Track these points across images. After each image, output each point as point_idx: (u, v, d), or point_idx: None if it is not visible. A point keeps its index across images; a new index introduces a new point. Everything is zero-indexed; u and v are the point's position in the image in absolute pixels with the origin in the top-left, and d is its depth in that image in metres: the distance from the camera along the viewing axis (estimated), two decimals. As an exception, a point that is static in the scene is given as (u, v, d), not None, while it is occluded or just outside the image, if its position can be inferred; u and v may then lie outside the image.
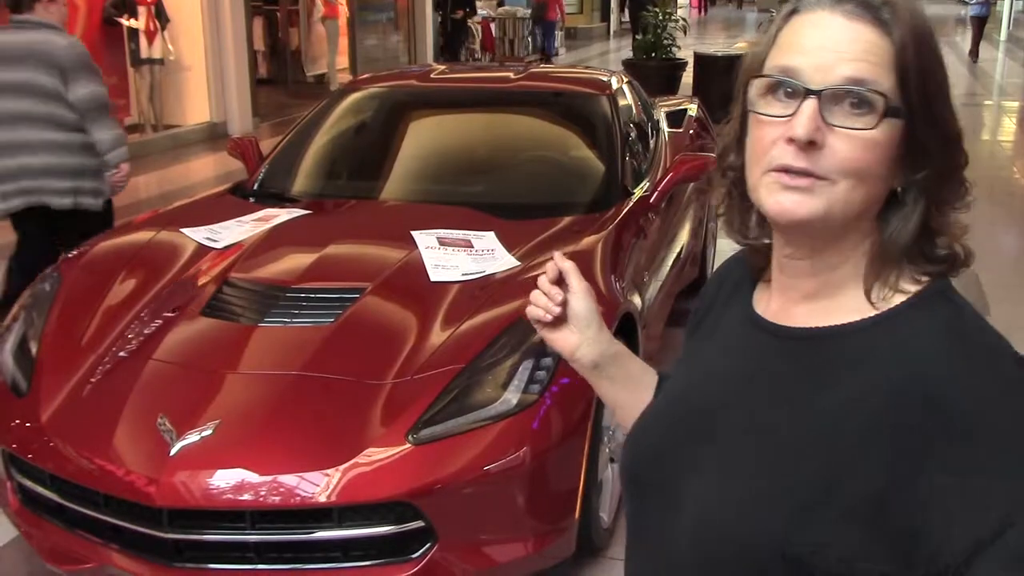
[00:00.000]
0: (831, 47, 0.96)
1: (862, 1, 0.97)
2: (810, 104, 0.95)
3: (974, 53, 19.68)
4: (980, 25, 19.64)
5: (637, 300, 3.46)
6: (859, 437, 0.92)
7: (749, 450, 1.00)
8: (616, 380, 1.30)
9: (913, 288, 1.00)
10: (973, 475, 0.87)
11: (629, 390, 1.30)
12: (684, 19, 13.21)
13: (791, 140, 0.96)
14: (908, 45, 0.96)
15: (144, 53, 9.97)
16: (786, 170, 0.96)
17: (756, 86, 1.01)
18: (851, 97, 0.95)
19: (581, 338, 1.27)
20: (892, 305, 0.99)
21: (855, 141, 0.95)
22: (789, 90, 0.97)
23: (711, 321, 1.20)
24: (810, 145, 0.95)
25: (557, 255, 1.29)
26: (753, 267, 1.15)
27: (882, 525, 0.89)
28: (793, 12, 1.01)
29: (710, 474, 1.02)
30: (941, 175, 0.99)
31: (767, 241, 1.09)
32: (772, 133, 0.98)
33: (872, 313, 0.99)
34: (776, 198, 0.98)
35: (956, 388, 0.90)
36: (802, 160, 0.95)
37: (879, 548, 0.89)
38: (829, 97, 0.95)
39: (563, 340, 1.28)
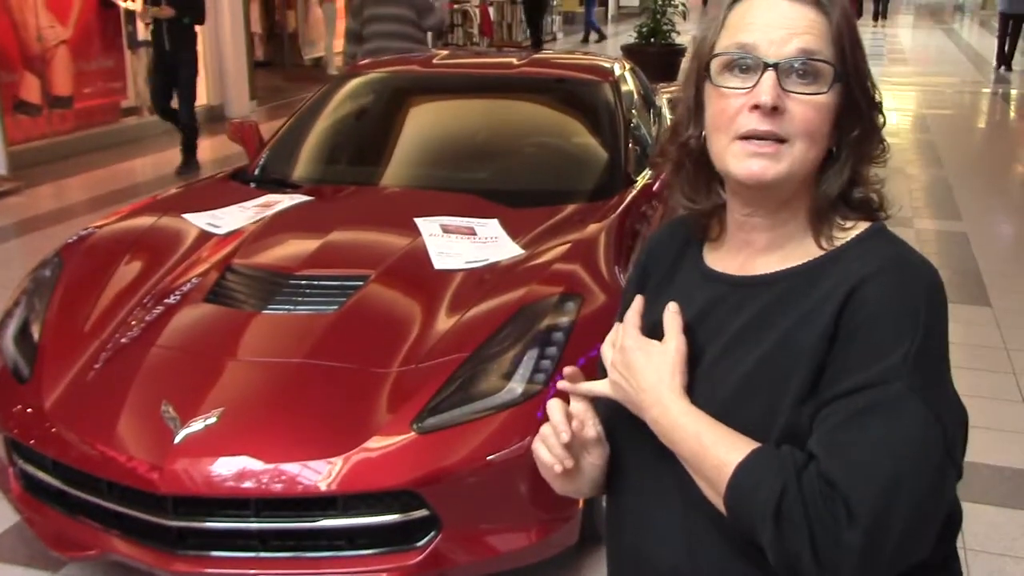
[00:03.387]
0: (781, 24, 1.13)
1: None
2: (770, 75, 1.11)
3: (1002, 59, 15.28)
4: (1015, 25, 14.86)
5: (640, 289, 3.45)
6: (814, 337, 1.10)
7: (731, 367, 1.16)
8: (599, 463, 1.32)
9: (851, 232, 1.17)
10: (858, 346, 1.07)
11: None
12: (684, 4, 13.13)
13: (756, 107, 1.12)
14: (842, 23, 1.14)
15: (141, 35, 9.89)
16: (753, 135, 1.12)
17: (716, 63, 1.16)
18: (802, 67, 1.12)
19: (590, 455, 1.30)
20: (837, 245, 1.17)
21: (810, 104, 1.12)
22: (745, 65, 1.14)
23: (655, 286, 1.32)
24: (774, 111, 1.11)
25: (567, 370, 1.27)
26: (697, 231, 1.30)
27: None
28: (736, 1, 1.18)
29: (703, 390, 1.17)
30: (867, 133, 1.17)
31: (719, 203, 1.25)
32: (735, 103, 1.14)
33: (820, 254, 1.17)
34: (745, 163, 1.14)
35: (870, 285, 1.09)
36: (767, 124, 1.12)
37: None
38: (785, 68, 1.12)
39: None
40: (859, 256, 1.13)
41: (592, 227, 3.42)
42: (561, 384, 1.26)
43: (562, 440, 1.21)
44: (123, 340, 2.92)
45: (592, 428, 1.26)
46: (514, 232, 3.36)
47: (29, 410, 2.81)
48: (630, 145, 4.13)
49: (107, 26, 9.70)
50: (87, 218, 5.76)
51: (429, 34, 8.29)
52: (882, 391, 1.04)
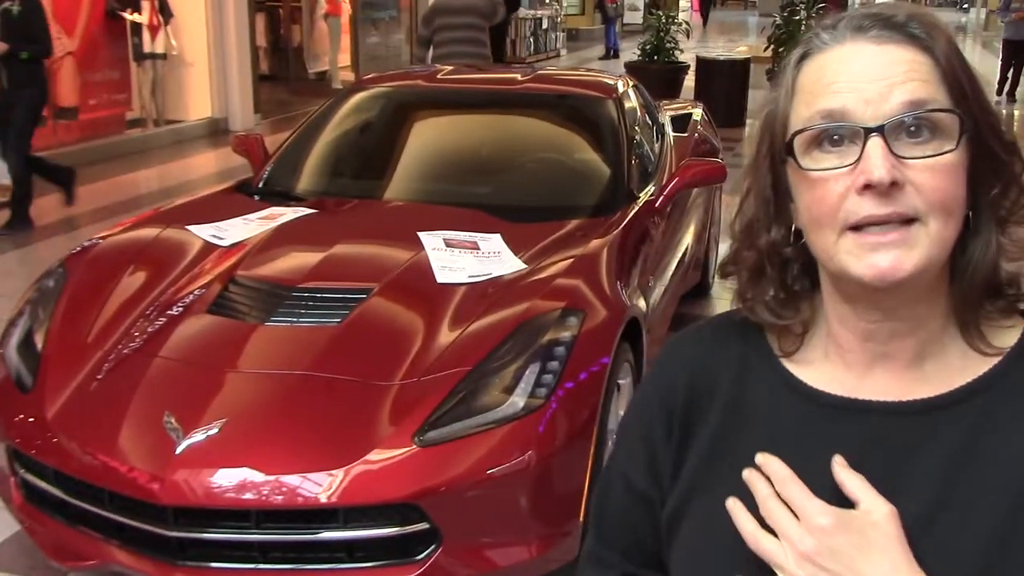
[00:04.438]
0: (873, 76, 0.87)
1: (887, 22, 0.89)
2: (876, 143, 0.85)
3: (1003, 87, 13.89)
4: (1018, 53, 13.78)
5: (642, 304, 3.46)
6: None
7: (961, 523, 0.88)
8: None
9: (1008, 322, 0.93)
10: None
11: None
12: (687, 23, 13.20)
13: (866, 187, 0.85)
14: (951, 55, 0.89)
15: (147, 48, 9.96)
16: (870, 223, 0.86)
17: (800, 142, 0.90)
18: (915, 124, 0.86)
19: None
20: (1007, 346, 0.92)
21: (936, 169, 0.86)
22: (837, 136, 0.88)
23: (718, 423, 1.01)
24: (892, 186, 0.85)
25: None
26: (783, 342, 1.00)
27: None
28: (804, 56, 0.93)
29: None
30: (1007, 187, 0.92)
31: (806, 316, 0.98)
32: (837, 188, 0.87)
33: (989, 362, 0.92)
34: (868, 260, 0.86)
35: None
36: (886, 205, 0.85)
37: None
38: (893, 129, 0.86)
39: None
40: None
41: (595, 243, 3.43)
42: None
43: None
44: (126, 351, 2.93)
45: None
46: (517, 247, 3.38)
47: (31, 420, 2.81)
48: (633, 161, 4.15)
49: (113, 38, 9.77)
50: (91, 229, 5.78)
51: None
52: None
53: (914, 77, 0.87)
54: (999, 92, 14.19)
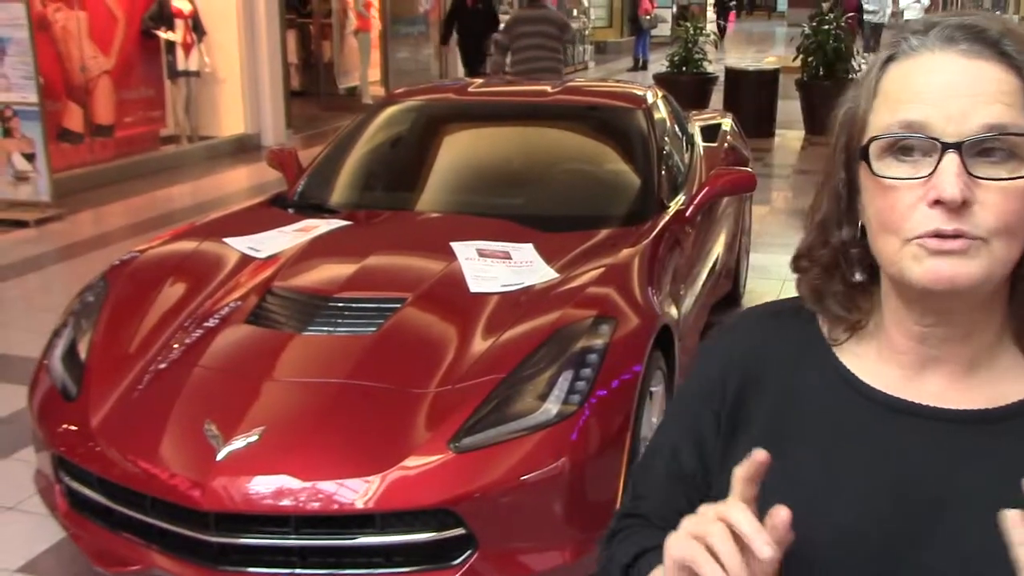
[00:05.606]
0: (958, 92, 0.87)
1: (979, 36, 0.89)
2: (951, 160, 0.85)
3: None
4: None
5: (674, 312, 3.48)
6: None
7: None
8: None
9: None
10: None
11: None
12: (715, 33, 13.22)
13: (936, 202, 0.86)
14: None
15: (180, 65, 10.10)
16: (937, 235, 0.87)
17: (876, 147, 0.90)
18: (993, 146, 0.86)
19: None
20: None
21: (1008, 192, 0.86)
22: (912, 147, 0.88)
23: (776, 410, 1.02)
24: (962, 205, 0.85)
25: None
26: (836, 331, 1.02)
27: None
28: (890, 59, 0.92)
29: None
30: None
31: (868, 315, 1.00)
32: (907, 198, 0.88)
33: None
34: (929, 265, 0.87)
35: None
36: (954, 222, 0.86)
37: None
38: (969, 148, 0.86)
39: None
40: None
41: (625, 252, 3.46)
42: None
43: (765, 555, 0.80)
44: (167, 361, 2.99)
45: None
46: (548, 256, 3.41)
47: (76, 428, 2.88)
48: (663, 171, 4.18)
49: (147, 56, 9.92)
50: (126, 244, 5.88)
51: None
52: None
53: (999, 99, 0.87)
54: None
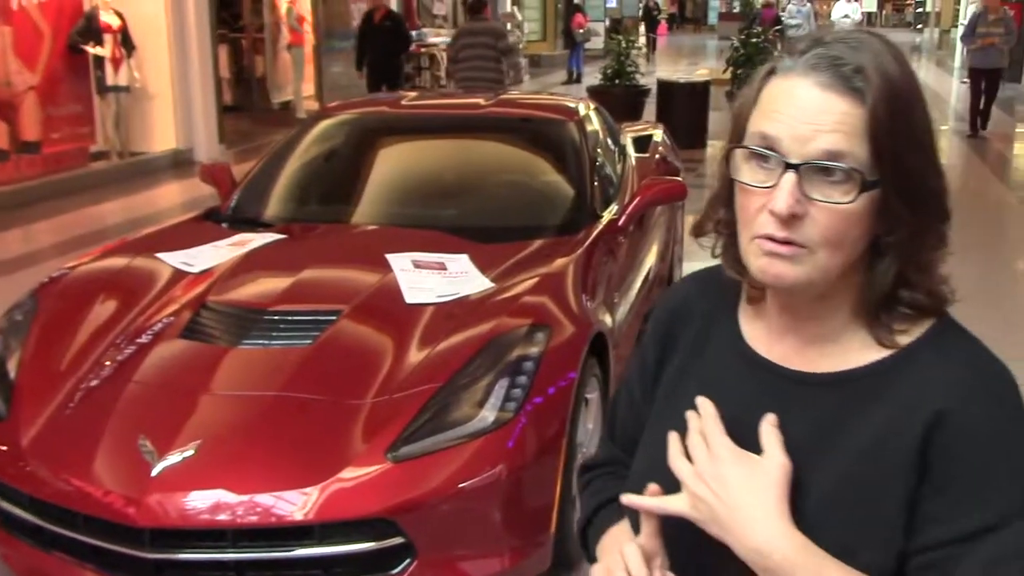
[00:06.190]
0: (806, 119, 0.98)
1: (836, 71, 0.99)
2: (789, 178, 0.98)
3: (975, 126, 12.44)
4: (988, 81, 12.22)
5: (608, 320, 3.54)
6: (892, 464, 1.00)
7: (804, 484, 1.02)
8: None
9: (916, 327, 1.05)
10: (964, 482, 0.97)
11: None
12: (645, 47, 13.41)
13: (772, 212, 0.99)
14: (881, 112, 0.97)
15: (110, 80, 9.96)
16: (770, 239, 1.00)
17: (739, 153, 1.04)
18: (826, 170, 0.98)
19: None
20: (904, 344, 1.05)
21: (834, 213, 0.98)
22: (767, 158, 1.00)
23: (683, 359, 1.19)
24: (793, 218, 0.98)
25: (651, 487, 1.09)
26: (736, 292, 1.17)
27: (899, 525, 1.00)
28: (771, 72, 1.04)
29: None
30: (915, 234, 1.02)
31: None
32: (756, 202, 1.01)
33: (886, 353, 1.05)
34: (761, 263, 1.02)
35: (970, 413, 0.99)
36: (784, 231, 0.99)
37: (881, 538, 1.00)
38: (808, 170, 0.98)
39: None
40: (935, 362, 1.03)
41: (559, 261, 3.50)
42: (626, 499, 1.09)
43: None
44: (99, 377, 2.95)
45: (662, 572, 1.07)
46: (484, 267, 3.44)
47: (5, 448, 2.83)
48: (596, 182, 4.24)
49: (75, 71, 9.76)
50: (56, 262, 5.77)
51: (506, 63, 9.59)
52: (1014, 534, 0.95)
53: (840, 128, 0.98)
54: (972, 128, 12.47)
